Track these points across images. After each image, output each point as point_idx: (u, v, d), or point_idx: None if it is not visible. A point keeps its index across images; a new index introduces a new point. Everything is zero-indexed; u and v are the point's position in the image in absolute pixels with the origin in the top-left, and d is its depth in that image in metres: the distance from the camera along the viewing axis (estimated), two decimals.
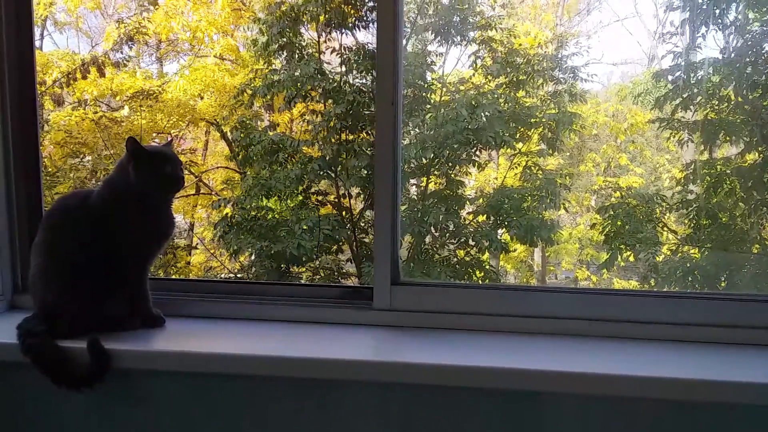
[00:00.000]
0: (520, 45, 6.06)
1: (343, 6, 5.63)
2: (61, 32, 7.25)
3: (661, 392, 1.20)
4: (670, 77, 5.36)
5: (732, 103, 5.10)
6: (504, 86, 5.89)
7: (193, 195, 6.93)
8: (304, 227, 5.41)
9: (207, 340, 1.41)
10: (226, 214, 5.78)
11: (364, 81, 5.72)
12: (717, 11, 4.90)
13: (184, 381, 1.37)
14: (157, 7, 6.62)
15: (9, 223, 1.62)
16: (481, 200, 5.93)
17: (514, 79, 5.88)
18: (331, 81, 5.68)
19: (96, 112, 6.42)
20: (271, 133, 5.87)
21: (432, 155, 5.61)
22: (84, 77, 6.12)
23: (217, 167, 7.19)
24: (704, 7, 4.99)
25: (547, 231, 5.53)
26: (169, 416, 1.39)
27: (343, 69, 5.74)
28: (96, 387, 1.29)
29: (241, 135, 5.86)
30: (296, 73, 5.64)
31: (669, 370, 1.22)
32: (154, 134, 6.62)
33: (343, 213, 5.87)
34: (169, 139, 1.37)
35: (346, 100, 5.52)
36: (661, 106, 5.39)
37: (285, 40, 5.77)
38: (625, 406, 1.25)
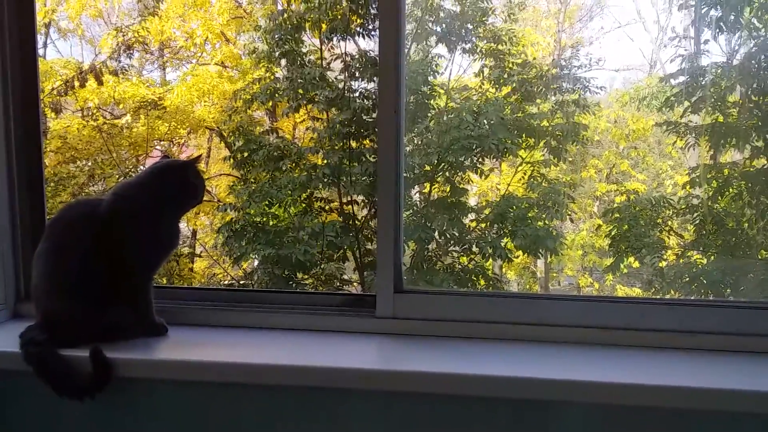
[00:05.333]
0: (534, 58, 6.07)
1: (348, 13, 5.65)
2: (65, 39, 7.29)
3: (668, 401, 1.19)
4: (678, 79, 5.34)
5: (739, 105, 5.10)
6: (512, 97, 5.90)
7: None
8: (304, 237, 5.41)
9: (210, 349, 1.40)
10: (230, 218, 5.79)
11: (366, 87, 5.74)
12: (722, 14, 4.89)
13: (186, 390, 1.37)
14: (156, 14, 6.66)
15: (12, 231, 1.61)
16: (487, 210, 5.92)
17: (523, 90, 5.89)
18: (333, 88, 5.69)
19: (97, 119, 6.45)
20: (274, 140, 5.88)
21: (435, 161, 5.61)
22: (82, 85, 6.15)
23: (221, 174, 7.20)
24: (711, 10, 4.98)
25: (553, 241, 5.51)
26: (171, 425, 1.38)
27: (345, 76, 5.75)
28: (98, 396, 1.28)
29: (241, 140, 5.88)
30: (299, 80, 5.66)
31: (675, 379, 1.21)
32: (159, 142, 6.65)
33: (349, 221, 5.86)
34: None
35: (348, 107, 5.53)
36: (672, 107, 5.37)
37: (287, 47, 5.79)
38: (631, 415, 1.24)
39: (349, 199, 5.86)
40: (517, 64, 5.93)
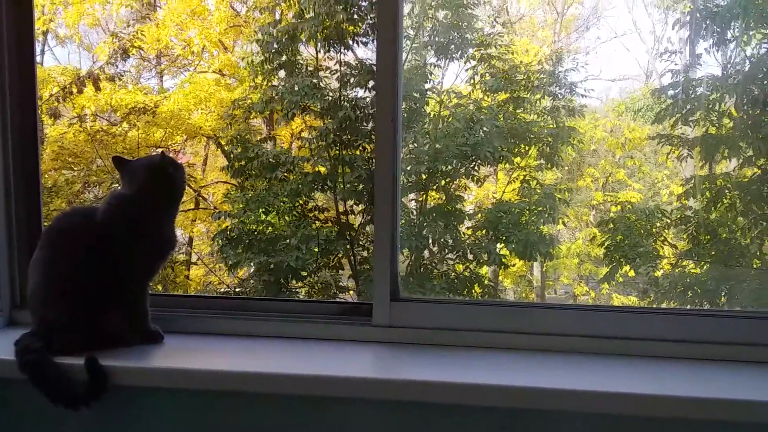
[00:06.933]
0: (521, 62, 6.10)
1: (342, 24, 5.68)
2: (62, 47, 7.30)
3: (663, 410, 1.19)
4: (670, 92, 5.39)
5: (732, 117, 5.14)
6: (504, 103, 5.93)
7: (193, 210, 6.94)
8: (294, 242, 5.42)
9: (205, 357, 1.40)
10: (225, 226, 5.80)
11: (360, 95, 5.77)
12: (717, 28, 4.95)
13: (182, 398, 1.36)
14: (152, 20, 6.68)
15: (8, 238, 1.61)
16: (479, 215, 5.94)
17: (514, 95, 5.92)
18: (328, 97, 5.70)
19: (92, 126, 6.45)
20: (267, 147, 5.90)
21: (430, 170, 5.63)
22: (80, 91, 6.15)
23: (217, 182, 7.20)
24: (705, 23, 5.03)
25: (546, 246, 5.53)
26: None
27: (338, 85, 5.78)
28: (93, 405, 1.28)
29: (238, 149, 5.90)
30: (294, 88, 5.67)
31: (669, 388, 1.21)
32: (155, 148, 6.65)
33: (343, 229, 5.87)
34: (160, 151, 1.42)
35: (342, 116, 5.56)
36: (661, 121, 5.42)
37: (284, 58, 5.82)
38: (626, 424, 1.24)
39: (344, 206, 5.87)
40: (508, 71, 5.96)
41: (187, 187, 1.54)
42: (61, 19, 6.83)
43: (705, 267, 5.18)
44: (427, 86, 6.04)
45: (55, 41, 7.16)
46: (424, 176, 5.71)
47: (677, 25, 5.44)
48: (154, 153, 1.52)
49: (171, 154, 1.54)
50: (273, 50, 5.80)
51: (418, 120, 5.84)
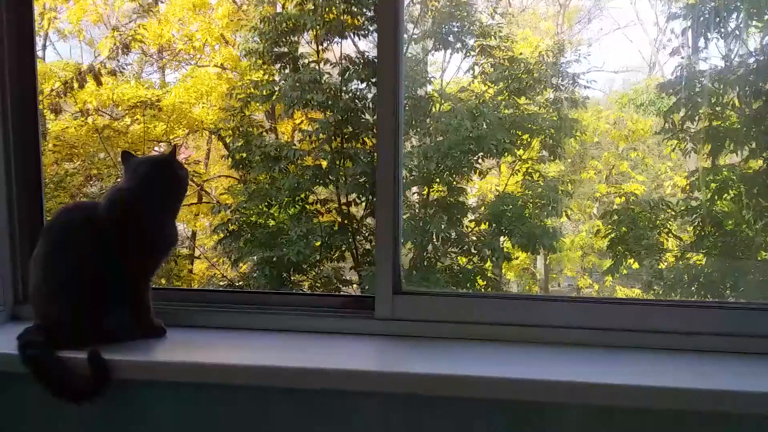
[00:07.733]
0: (521, 54, 6.06)
1: (342, 16, 5.65)
2: (64, 41, 7.29)
3: (668, 403, 1.19)
4: (674, 87, 5.36)
5: (736, 109, 5.11)
6: (504, 93, 5.90)
7: (195, 204, 6.94)
8: (299, 235, 5.42)
9: (208, 351, 1.40)
10: (227, 219, 5.80)
11: (360, 88, 5.75)
12: (718, 20, 4.91)
13: (185, 392, 1.36)
14: (154, 15, 6.67)
15: (10, 233, 1.61)
16: (483, 208, 5.93)
17: (515, 87, 5.89)
18: (327, 91, 5.68)
19: (95, 121, 6.46)
20: (272, 142, 5.90)
21: (433, 164, 5.61)
22: (81, 86, 6.14)
23: (220, 176, 7.20)
24: (706, 15, 5.00)
25: (549, 239, 5.52)
26: (170, 428, 1.38)
27: (339, 79, 5.75)
28: (96, 399, 1.28)
29: (240, 141, 5.89)
30: (296, 84, 5.65)
31: (675, 381, 1.21)
32: (157, 143, 6.66)
33: (345, 221, 5.86)
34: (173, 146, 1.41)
35: (342, 108, 5.54)
36: (666, 116, 5.39)
37: (284, 49, 5.79)
38: (631, 417, 1.24)
39: (346, 199, 5.86)
40: (509, 61, 5.92)
41: (189, 182, 1.53)
42: (65, 19, 6.82)
43: (710, 259, 5.16)
44: (428, 79, 6.02)
45: (57, 36, 7.15)
46: (426, 170, 5.70)
47: (679, 17, 5.40)
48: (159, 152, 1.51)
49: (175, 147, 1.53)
50: (272, 42, 5.77)
51: (419, 114, 5.82)
